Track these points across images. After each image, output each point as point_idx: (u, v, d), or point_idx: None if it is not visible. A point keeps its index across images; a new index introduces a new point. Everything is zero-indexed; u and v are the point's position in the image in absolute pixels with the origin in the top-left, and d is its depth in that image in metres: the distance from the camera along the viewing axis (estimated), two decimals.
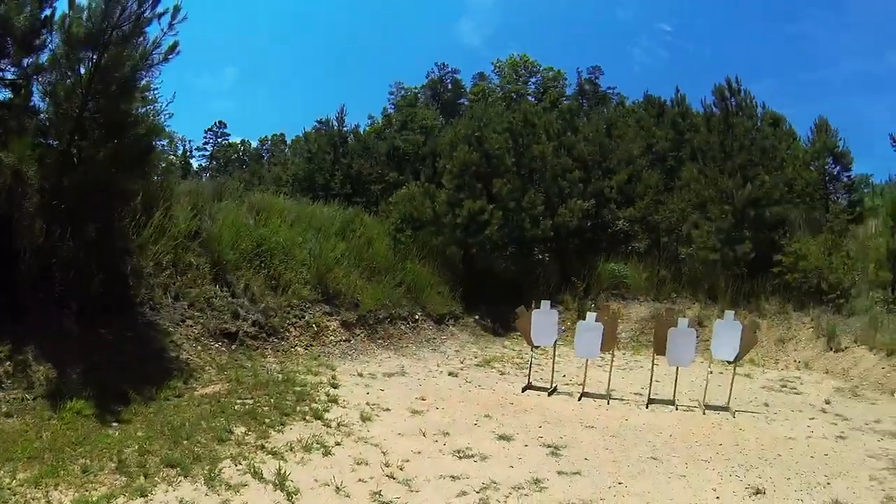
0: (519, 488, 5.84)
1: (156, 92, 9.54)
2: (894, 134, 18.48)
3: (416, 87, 51.00)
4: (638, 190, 18.28)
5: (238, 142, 57.22)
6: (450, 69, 54.43)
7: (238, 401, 7.46)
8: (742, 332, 9.54)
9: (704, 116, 19.39)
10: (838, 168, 18.19)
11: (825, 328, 13.91)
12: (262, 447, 6.26)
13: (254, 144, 53.35)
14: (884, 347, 12.25)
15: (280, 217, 13.19)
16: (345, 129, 25.77)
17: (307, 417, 7.32)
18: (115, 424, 6.32)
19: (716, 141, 17.54)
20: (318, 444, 6.52)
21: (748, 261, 15.71)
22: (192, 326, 9.14)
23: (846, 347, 13.24)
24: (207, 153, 58.53)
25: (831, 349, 13.47)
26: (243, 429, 6.65)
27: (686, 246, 17.04)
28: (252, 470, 5.62)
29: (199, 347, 8.84)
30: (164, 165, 11.42)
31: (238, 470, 5.67)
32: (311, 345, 10.51)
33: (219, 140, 59.62)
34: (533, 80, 48.35)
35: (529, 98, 36.58)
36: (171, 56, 8.77)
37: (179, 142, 48.39)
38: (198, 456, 5.82)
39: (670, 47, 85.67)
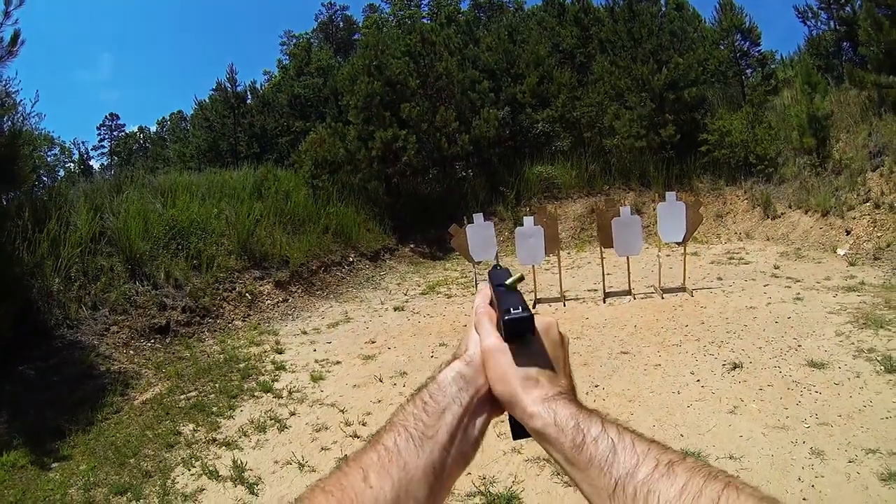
0: None
1: (14, 95, 8.63)
2: (798, 6, 18.68)
3: (307, 33, 49.25)
4: (552, 90, 18.01)
5: (136, 130, 54.24)
6: (338, 7, 52.67)
7: (182, 397, 6.71)
8: (686, 212, 9.43)
9: (608, 8, 19.35)
10: (748, 44, 18.54)
11: (759, 198, 14.29)
12: (214, 440, 5.62)
13: (153, 129, 50.63)
14: (818, 209, 12.62)
15: (188, 193, 12.40)
16: (238, 88, 24.55)
17: (256, 393, 6.68)
18: (54, 466, 5.51)
19: (623, 30, 17.42)
20: (271, 419, 5.93)
21: (675, 143, 15.85)
22: (118, 333, 8.21)
23: (782, 213, 13.63)
24: (106, 150, 55.49)
25: (768, 217, 13.86)
26: (192, 426, 5.96)
27: (610, 138, 17.09)
28: (206, 471, 4.96)
29: (130, 352, 7.94)
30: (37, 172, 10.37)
31: (192, 475, 5.02)
32: (249, 315, 9.83)
33: (114, 133, 56.39)
34: (425, 2, 47.14)
35: (425, 21, 35.58)
36: (16, 49, 7.84)
37: (73, 146, 45.89)
38: (147, 472, 5.12)
39: None
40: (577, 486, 0.71)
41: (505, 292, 0.85)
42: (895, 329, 6.74)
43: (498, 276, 0.89)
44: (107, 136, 56.33)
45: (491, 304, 0.87)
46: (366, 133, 15.37)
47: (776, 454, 4.47)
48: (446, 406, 0.78)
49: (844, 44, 17.60)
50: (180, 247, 10.33)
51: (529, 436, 0.77)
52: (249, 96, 25.56)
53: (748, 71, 18.76)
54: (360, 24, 48.90)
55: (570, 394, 0.79)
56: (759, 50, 18.78)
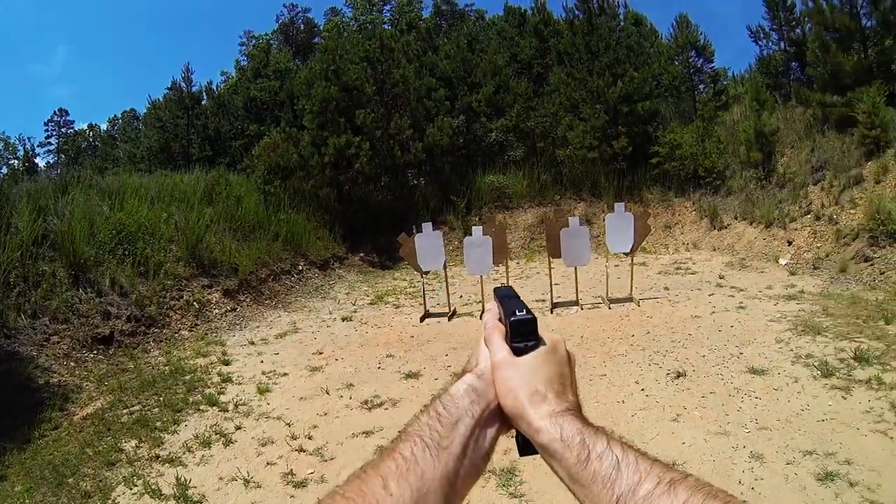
0: None
1: None
2: (750, 27, 19.27)
3: (267, 34, 48.54)
4: (507, 100, 18.13)
5: (85, 128, 52.34)
6: (300, 9, 52.10)
7: (124, 411, 6.49)
8: (634, 223, 9.56)
9: (567, 21, 19.71)
10: (702, 60, 19.19)
11: (707, 209, 14.72)
12: (157, 457, 5.45)
13: (103, 127, 48.88)
14: (762, 220, 13.13)
15: (137, 196, 12.04)
16: (194, 88, 24.01)
17: (201, 407, 6.52)
18: None
19: (581, 43, 17.67)
20: (216, 434, 5.80)
21: (626, 155, 16.11)
22: (58, 343, 7.84)
23: (728, 224, 14.08)
24: (53, 147, 53.68)
25: (715, 228, 14.29)
26: (134, 442, 5.76)
27: (563, 148, 17.27)
28: (149, 489, 4.82)
29: (71, 364, 7.60)
30: None
31: (134, 494, 4.85)
32: (196, 324, 9.59)
33: (63, 130, 54.35)
34: (387, 7, 46.96)
35: (386, 27, 35.45)
36: None
37: (18, 142, 44.35)
38: (87, 492, 4.93)
39: None
40: (580, 503, 0.72)
41: (509, 300, 0.89)
42: (832, 335, 7.03)
43: (503, 292, 0.93)
44: (54, 133, 53.98)
45: (500, 320, 0.89)
46: (320, 139, 15.26)
47: (717, 459, 4.59)
48: (459, 418, 0.79)
49: (793, 64, 18.28)
50: (127, 252, 9.97)
51: (536, 452, 0.79)
52: (205, 97, 24.94)
53: (701, 86, 19.32)
54: (321, 28, 48.51)
55: (577, 410, 0.80)
56: (713, 67, 19.48)
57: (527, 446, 0.80)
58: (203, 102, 24.52)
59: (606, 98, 16.21)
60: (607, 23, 17.91)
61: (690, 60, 18.96)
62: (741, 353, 6.80)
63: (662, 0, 67.61)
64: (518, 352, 0.82)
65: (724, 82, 20.43)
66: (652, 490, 0.65)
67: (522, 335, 0.83)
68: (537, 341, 0.83)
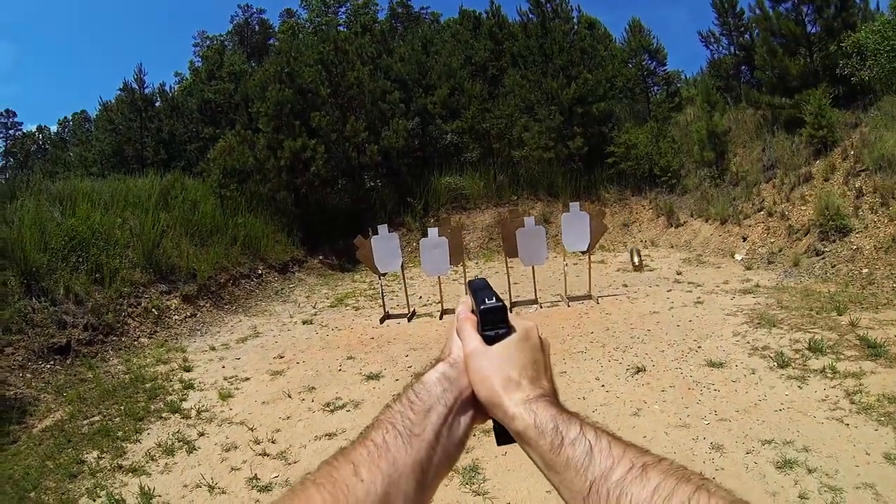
0: None
1: None
2: (702, 31, 20.03)
3: (221, 35, 47.68)
4: (462, 102, 18.21)
5: (34, 130, 50.43)
6: (255, 10, 51.29)
7: (85, 422, 6.36)
8: (590, 222, 9.69)
9: (521, 24, 19.97)
10: (655, 63, 19.84)
11: (663, 208, 15.05)
12: (120, 467, 5.36)
13: (54, 129, 47.51)
14: (717, 217, 13.54)
15: (90, 201, 11.74)
16: (147, 90, 23.50)
17: (163, 415, 6.45)
18: None
19: (535, 46, 17.86)
20: (179, 441, 5.74)
21: (582, 155, 16.32)
22: (12, 354, 7.61)
23: (685, 222, 14.39)
24: (0, 150, 51.88)
25: (672, 225, 14.60)
26: (96, 453, 5.66)
27: (519, 149, 17.40)
28: (113, 500, 4.71)
29: (27, 375, 7.40)
30: None
31: None
32: (156, 331, 9.44)
33: (10, 132, 52.61)
34: (343, 9, 46.52)
35: (341, 28, 35.22)
36: None
37: None
38: None
39: None
40: (556, 490, 0.72)
41: (480, 290, 0.89)
42: (787, 327, 7.30)
43: (476, 284, 0.93)
44: (1, 136, 52.69)
45: (473, 311, 0.90)
46: (275, 142, 15.14)
47: (678, 451, 4.68)
48: (431, 405, 0.79)
49: (743, 67, 19.03)
50: (81, 259, 9.74)
51: (513, 441, 0.79)
52: (158, 99, 24.43)
53: (654, 88, 19.87)
54: (276, 29, 47.97)
55: (552, 396, 0.79)
56: (665, 69, 20.23)
57: (504, 435, 0.80)
58: (157, 104, 24.04)
59: (561, 99, 16.41)
60: (561, 26, 18.11)
61: (644, 63, 19.47)
62: (699, 347, 6.98)
63: (615, 5, 68.80)
64: (489, 340, 0.83)
65: (678, 84, 21.05)
66: (624, 475, 0.65)
67: (493, 323, 0.83)
68: (508, 329, 0.83)
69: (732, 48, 19.60)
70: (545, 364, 0.85)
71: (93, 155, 24.26)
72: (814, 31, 14.51)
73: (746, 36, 18.64)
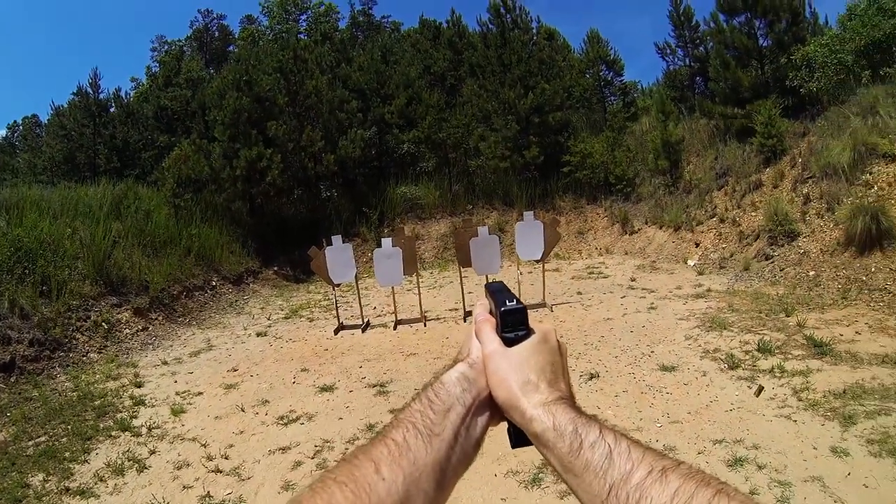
0: (354, 440, 5.56)
1: None
2: (658, 43, 20.44)
3: (180, 40, 46.99)
4: (419, 111, 18.27)
5: None
6: (215, 15, 50.64)
7: (30, 443, 6.13)
8: (544, 230, 9.79)
9: (481, 34, 20.24)
10: (611, 74, 20.39)
11: (618, 215, 15.34)
12: (67, 490, 5.18)
13: (2, 134, 46.29)
14: (671, 224, 13.86)
15: (38, 210, 11.51)
16: (101, 95, 23.02)
17: (113, 433, 6.25)
18: None
19: (494, 56, 18.09)
20: (129, 460, 5.57)
21: (538, 164, 16.50)
22: None
23: (639, 229, 14.68)
24: None
25: (627, 233, 14.87)
26: (41, 475, 5.44)
27: (475, 158, 17.54)
28: None
29: None
30: None
31: None
32: (106, 346, 9.16)
33: None
34: (304, 16, 46.18)
35: (302, 37, 35.03)
36: None
37: None
38: None
39: None
40: (573, 493, 0.72)
41: (499, 292, 0.90)
42: (737, 329, 7.55)
43: (493, 287, 0.94)
44: None
45: (490, 313, 0.90)
46: (231, 151, 15.01)
47: None
48: (451, 405, 0.79)
49: (698, 78, 19.62)
50: (27, 271, 9.42)
51: (528, 444, 0.79)
52: (113, 105, 23.96)
53: (611, 98, 20.30)
54: (236, 36, 47.44)
55: (570, 399, 0.80)
56: (622, 80, 20.72)
57: (519, 438, 0.80)
58: (111, 110, 23.59)
59: (518, 109, 16.57)
60: (520, 36, 18.31)
61: (601, 74, 19.89)
62: (652, 352, 7.12)
63: (575, 16, 69.79)
64: (509, 342, 0.83)
65: (634, 95, 21.48)
66: (644, 478, 0.65)
67: (513, 325, 0.83)
68: (527, 331, 0.84)
69: (688, 60, 20.24)
70: (563, 367, 0.86)
71: (42, 161, 23.61)
72: (765, 44, 15.13)
73: (701, 48, 19.30)
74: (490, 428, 0.84)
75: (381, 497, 0.67)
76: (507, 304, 0.85)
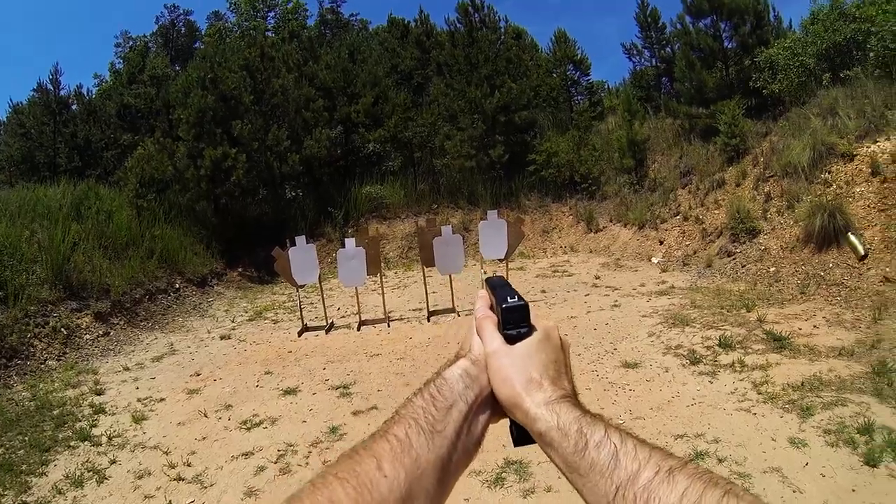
0: (317, 443, 5.56)
1: None
2: (625, 44, 20.84)
3: (145, 36, 46.09)
4: (386, 110, 18.23)
5: None
6: (181, 11, 49.74)
7: None
8: (507, 229, 9.83)
9: (449, 33, 20.21)
10: (578, 73, 20.63)
11: (583, 213, 15.51)
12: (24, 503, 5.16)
13: None
14: (635, 222, 14.05)
15: None
16: (62, 92, 22.42)
17: (72, 443, 6.12)
18: None
19: (461, 55, 18.17)
20: (89, 471, 5.47)
21: (503, 163, 16.55)
22: None
23: (604, 227, 14.88)
24: None
25: (591, 231, 15.03)
26: None
27: (441, 157, 17.56)
28: None
29: None
30: None
31: None
32: (65, 353, 8.98)
33: None
34: (272, 14, 45.67)
35: (269, 34, 34.60)
36: None
37: None
38: None
39: None
40: (578, 492, 0.71)
41: (500, 287, 0.89)
42: (699, 325, 7.71)
43: (494, 282, 0.93)
44: None
45: (491, 308, 0.89)
46: (196, 150, 14.83)
47: None
48: (453, 402, 0.78)
49: (664, 79, 20.01)
50: None
51: (531, 443, 0.78)
52: (75, 102, 23.36)
53: (578, 98, 20.47)
54: (203, 32, 46.77)
55: (574, 397, 0.80)
56: (589, 80, 20.91)
57: (521, 437, 0.80)
58: (73, 108, 22.96)
59: (484, 108, 16.62)
60: (488, 36, 18.40)
61: (568, 73, 20.00)
62: (615, 349, 7.24)
63: (542, 16, 70.20)
64: (511, 339, 0.82)
65: (601, 94, 21.71)
66: (651, 479, 0.65)
67: (515, 322, 0.83)
68: (529, 328, 0.83)
69: (654, 60, 20.62)
70: (566, 364, 0.86)
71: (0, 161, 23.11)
72: (730, 46, 15.52)
73: (668, 49, 19.68)
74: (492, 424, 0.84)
75: (382, 494, 0.67)
76: (510, 300, 0.84)
